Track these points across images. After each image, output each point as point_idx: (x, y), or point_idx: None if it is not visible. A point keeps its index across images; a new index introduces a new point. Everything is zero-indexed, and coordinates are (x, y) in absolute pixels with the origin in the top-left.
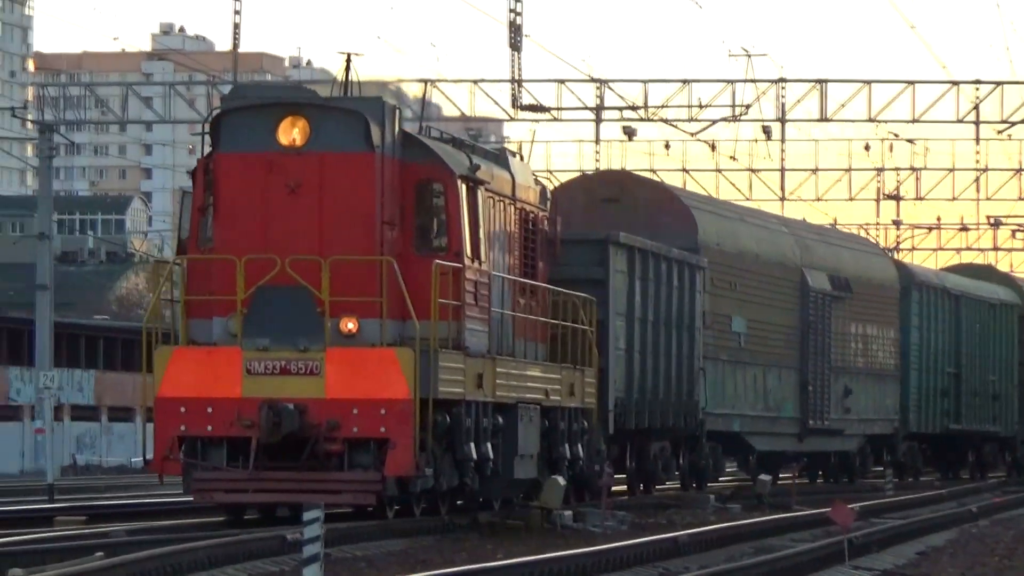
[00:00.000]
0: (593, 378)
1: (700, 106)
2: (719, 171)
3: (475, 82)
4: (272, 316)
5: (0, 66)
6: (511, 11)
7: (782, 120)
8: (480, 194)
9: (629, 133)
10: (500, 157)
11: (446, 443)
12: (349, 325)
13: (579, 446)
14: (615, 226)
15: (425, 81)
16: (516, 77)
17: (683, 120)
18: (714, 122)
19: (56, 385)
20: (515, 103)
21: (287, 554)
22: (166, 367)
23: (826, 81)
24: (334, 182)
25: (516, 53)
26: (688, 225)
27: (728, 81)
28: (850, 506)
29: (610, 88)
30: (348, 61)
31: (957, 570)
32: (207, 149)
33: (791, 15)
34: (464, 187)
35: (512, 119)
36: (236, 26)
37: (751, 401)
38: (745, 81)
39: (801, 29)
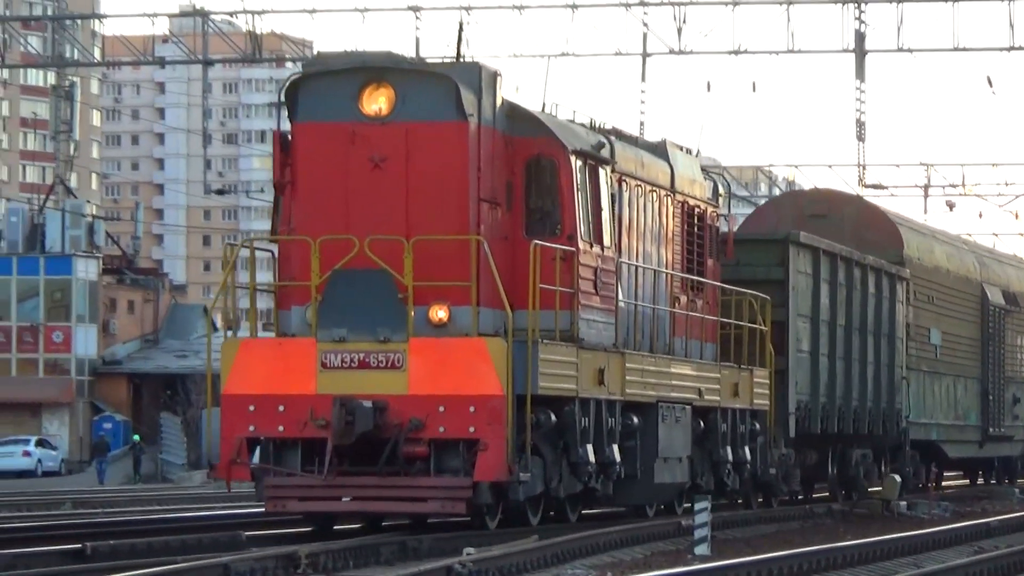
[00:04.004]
0: (765, 379)
1: (1007, 184)
2: (1021, 235)
3: (829, 166)
4: (350, 303)
5: None
6: (857, 111)
7: None
8: (604, 174)
9: (950, 205)
10: (659, 148)
11: (561, 445)
12: (440, 313)
13: (746, 449)
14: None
15: (792, 165)
16: (860, 162)
17: (992, 195)
18: (1017, 196)
19: None
20: (860, 182)
21: (681, 536)
22: (233, 361)
23: None
24: (422, 155)
25: (861, 143)
26: (894, 240)
27: None
28: None
29: (935, 170)
30: (460, 29)
31: None
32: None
33: None
34: (579, 164)
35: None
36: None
37: (944, 410)
38: None
39: None
